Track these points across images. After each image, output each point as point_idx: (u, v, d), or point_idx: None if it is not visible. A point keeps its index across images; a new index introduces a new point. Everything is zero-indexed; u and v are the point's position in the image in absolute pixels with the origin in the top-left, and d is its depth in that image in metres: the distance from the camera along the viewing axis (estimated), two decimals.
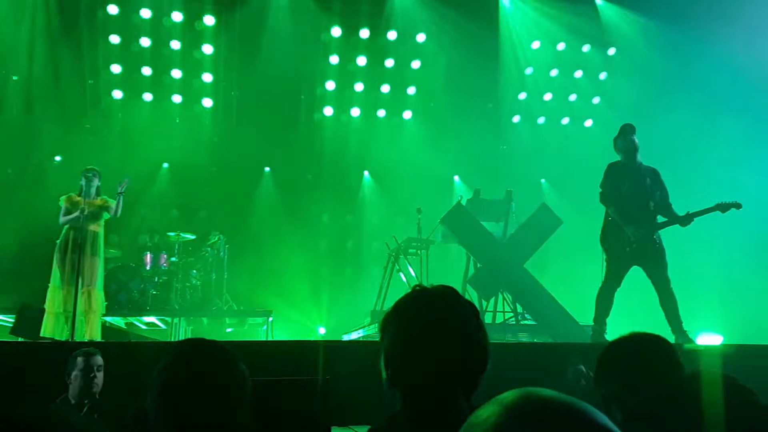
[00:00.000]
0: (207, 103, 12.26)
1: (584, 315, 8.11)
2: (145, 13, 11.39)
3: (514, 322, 8.94)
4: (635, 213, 6.78)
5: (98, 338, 7.57)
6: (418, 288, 1.77)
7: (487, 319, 9.00)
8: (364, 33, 12.00)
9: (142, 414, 1.73)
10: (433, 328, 1.65)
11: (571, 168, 11.76)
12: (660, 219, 6.88)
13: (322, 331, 11.18)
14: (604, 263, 6.92)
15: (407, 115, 12.86)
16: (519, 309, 8.97)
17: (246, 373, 1.84)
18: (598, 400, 1.72)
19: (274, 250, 11.23)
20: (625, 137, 6.98)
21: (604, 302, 6.85)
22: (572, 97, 12.81)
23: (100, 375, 4.57)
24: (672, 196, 6.97)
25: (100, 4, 11.25)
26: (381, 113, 12.80)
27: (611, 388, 1.66)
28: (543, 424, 0.80)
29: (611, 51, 12.35)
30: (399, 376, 1.67)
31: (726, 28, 10.64)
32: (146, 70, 11.78)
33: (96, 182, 7.86)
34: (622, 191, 6.83)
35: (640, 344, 1.81)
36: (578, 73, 12.62)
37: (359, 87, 12.50)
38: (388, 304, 1.81)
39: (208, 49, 11.83)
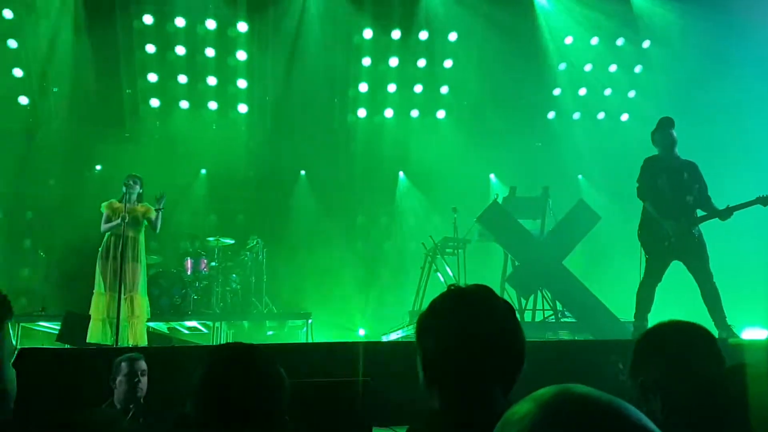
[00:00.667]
0: (242, 108, 12.40)
1: (625, 311, 8.00)
2: (180, 22, 11.56)
3: (553, 320, 8.86)
4: (673, 207, 6.67)
5: (143, 343, 7.69)
6: (453, 288, 1.78)
7: (527, 317, 8.95)
8: (396, 34, 12.01)
9: (186, 418, 1.76)
10: (468, 327, 1.65)
11: (608, 163, 11.61)
12: (699, 213, 6.76)
13: (361, 332, 11.21)
14: (643, 259, 6.82)
15: (441, 114, 12.83)
16: (558, 307, 8.89)
17: (284, 375, 1.87)
18: (637, 395, 1.69)
19: (311, 252, 11.31)
20: (662, 131, 6.88)
21: (644, 298, 6.75)
22: (607, 92, 12.65)
23: (144, 380, 4.64)
24: (710, 189, 6.85)
25: (135, 15, 11.44)
26: (414, 113, 12.80)
27: (650, 376, 1.62)
28: (580, 422, 0.80)
29: (646, 44, 12.17)
30: (436, 377, 1.68)
31: (762, 15, 10.42)
32: (182, 78, 11.96)
33: (137, 189, 7.99)
34: (658, 186, 6.73)
35: (681, 331, 1.76)
36: (613, 67, 12.46)
37: (392, 88, 12.51)
38: (426, 305, 1.81)
39: (242, 55, 11.95)
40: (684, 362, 1.61)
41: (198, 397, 1.77)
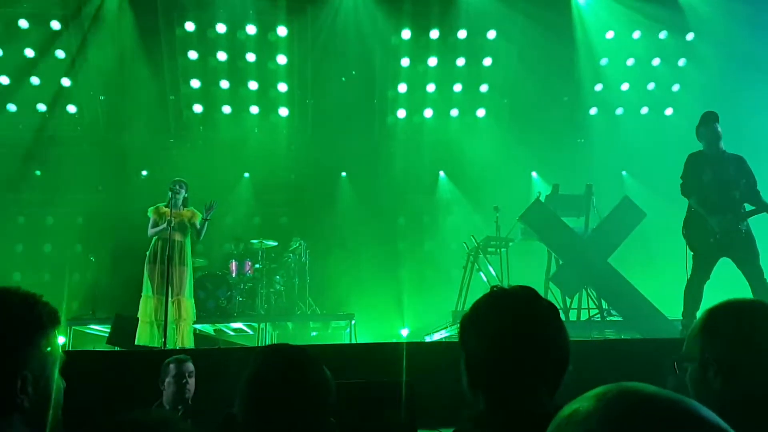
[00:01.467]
0: (283, 112, 12.51)
1: (672, 309, 7.86)
2: (221, 28, 11.71)
3: (599, 319, 8.74)
4: (719, 203, 6.53)
5: (190, 345, 7.81)
6: (496, 289, 1.77)
7: (572, 316, 8.84)
8: (434, 33, 11.99)
9: (233, 419, 1.79)
10: (512, 329, 1.65)
11: (652, 158, 11.40)
12: (747, 207, 6.61)
13: (404, 332, 11.21)
14: (689, 256, 6.70)
15: (481, 113, 12.77)
16: (604, 305, 8.76)
17: (330, 376, 1.88)
18: (696, 376, 1.61)
19: (353, 253, 11.36)
20: (707, 125, 6.74)
21: (692, 296, 6.62)
22: (650, 86, 12.44)
23: (191, 381, 4.71)
24: (760, 183, 6.69)
25: (177, 22, 11.63)
26: (454, 113, 12.76)
27: (712, 351, 1.55)
28: (649, 421, 0.76)
29: (689, 36, 11.92)
30: (480, 378, 1.67)
31: None
32: (224, 84, 12.12)
33: (183, 193, 8.11)
34: (703, 181, 6.60)
35: (746, 308, 1.66)
36: (656, 61, 12.24)
37: (431, 88, 12.49)
38: (469, 304, 1.80)
39: (282, 59, 12.06)
40: (748, 338, 1.53)
41: (244, 398, 1.79)
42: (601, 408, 0.79)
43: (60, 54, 11.51)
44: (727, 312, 1.61)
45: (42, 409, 1.40)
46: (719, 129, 6.70)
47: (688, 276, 6.68)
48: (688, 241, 6.73)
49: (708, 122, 6.74)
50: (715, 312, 1.62)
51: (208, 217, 8.12)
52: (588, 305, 9.06)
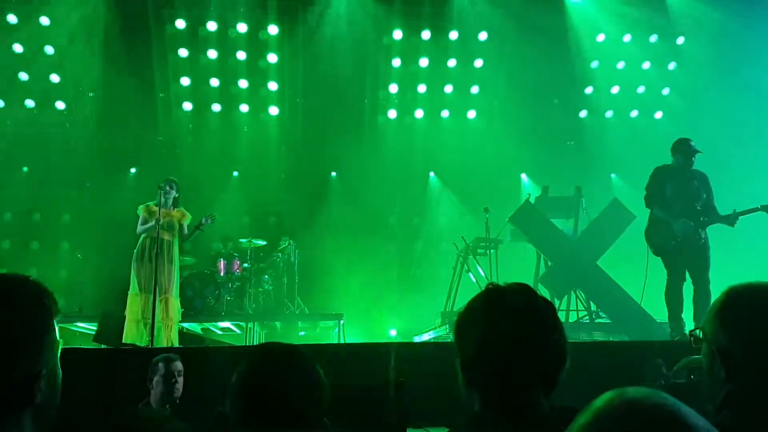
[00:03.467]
0: (273, 111, 12.48)
1: (661, 312, 7.89)
2: (211, 26, 11.67)
3: (588, 321, 8.77)
4: (681, 213, 6.94)
5: (175, 344, 7.77)
6: (491, 286, 1.75)
7: (560, 318, 8.86)
8: (426, 34, 12.00)
9: (224, 418, 1.77)
10: (508, 327, 1.63)
11: (642, 161, 11.40)
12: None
13: (393, 333, 11.20)
14: (651, 260, 7.23)
15: (471, 114, 12.79)
16: (593, 307, 8.79)
17: (322, 376, 1.86)
18: (677, 397, 1.61)
19: (343, 253, 11.33)
20: (686, 144, 7.12)
21: (673, 300, 6.91)
22: (640, 89, 12.50)
23: (180, 380, 4.68)
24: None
25: (168, 20, 11.58)
26: (445, 114, 12.77)
27: (718, 342, 1.54)
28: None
29: (680, 40, 11.98)
30: (475, 378, 1.65)
31: None
32: (214, 82, 12.07)
33: (173, 193, 8.06)
34: (666, 193, 7.05)
35: (755, 293, 1.62)
36: (646, 65, 12.30)
37: (422, 88, 12.50)
38: (458, 305, 1.79)
39: (272, 58, 12.03)
40: (753, 326, 1.51)
41: (235, 397, 1.77)
42: (599, 422, 0.81)
43: (49, 50, 11.43)
44: (740, 301, 1.58)
45: (51, 402, 1.39)
46: (692, 147, 7.07)
47: (666, 281, 7.03)
48: (652, 246, 7.16)
49: (689, 146, 7.10)
50: (731, 297, 1.59)
51: (201, 228, 8.10)
52: (577, 307, 9.09)
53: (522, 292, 1.70)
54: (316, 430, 1.78)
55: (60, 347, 1.46)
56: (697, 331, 1.66)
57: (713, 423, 0.84)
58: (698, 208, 7.00)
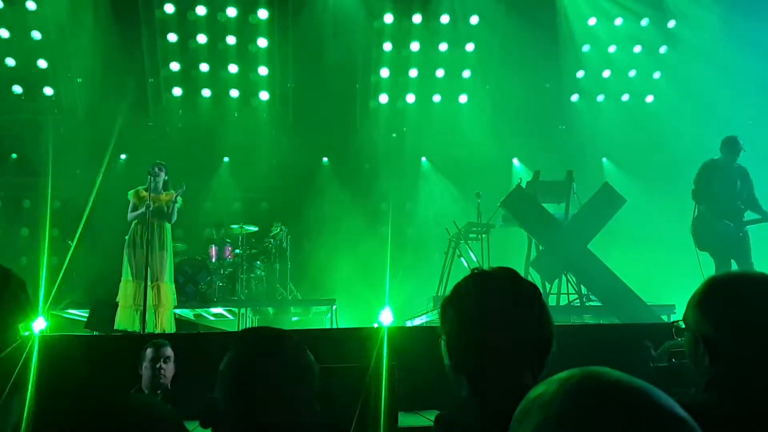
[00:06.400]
0: (264, 96, 12.42)
1: (650, 295, 7.95)
2: (201, 11, 11.59)
3: (578, 304, 8.81)
4: (726, 209, 7.43)
5: (171, 330, 7.77)
6: (477, 271, 1.75)
7: (551, 301, 8.90)
8: (417, 18, 11.94)
9: (213, 403, 1.76)
10: (493, 312, 1.63)
11: (633, 145, 11.48)
12: (749, 216, 7.52)
13: (385, 317, 11.21)
14: (700, 253, 7.52)
15: (463, 99, 12.76)
16: (583, 290, 8.83)
17: (313, 360, 1.86)
18: (665, 379, 1.64)
19: (335, 239, 11.32)
20: (735, 144, 7.53)
21: None
22: (632, 73, 12.50)
23: (168, 365, 4.68)
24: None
25: (157, 5, 11.49)
26: (436, 98, 12.73)
27: (702, 329, 1.56)
28: (612, 408, 0.78)
29: (671, 24, 11.97)
30: (462, 362, 1.66)
31: None
32: (204, 67, 12.00)
33: (162, 176, 8.03)
34: (712, 190, 7.46)
35: (741, 285, 1.63)
36: (637, 48, 12.29)
37: (413, 73, 12.46)
38: (450, 290, 1.78)
39: (262, 42, 11.96)
40: (738, 322, 1.53)
41: (224, 383, 1.76)
42: (563, 393, 0.82)
43: (36, 35, 11.32)
44: (721, 289, 1.60)
45: (24, 390, 1.39)
46: (740, 145, 7.50)
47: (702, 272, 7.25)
48: (695, 241, 7.58)
49: (736, 144, 7.53)
50: (712, 286, 1.62)
51: (175, 200, 8.00)
52: (567, 290, 9.12)
53: (507, 275, 1.70)
54: (307, 415, 1.77)
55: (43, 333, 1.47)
56: (680, 323, 1.68)
57: (700, 402, 0.85)
58: (741, 205, 7.48)
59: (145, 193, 7.87)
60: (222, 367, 1.79)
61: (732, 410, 1.43)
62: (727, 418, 1.39)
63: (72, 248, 11.21)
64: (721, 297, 1.58)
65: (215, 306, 9.97)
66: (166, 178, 8.10)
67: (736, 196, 7.51)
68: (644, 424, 0.78)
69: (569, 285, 9.09)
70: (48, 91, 11.90)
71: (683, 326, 1.65)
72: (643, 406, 0.79)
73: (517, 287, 1.68)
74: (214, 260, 10.17)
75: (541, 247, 8.91)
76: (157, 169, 7.94)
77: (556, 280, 9.02)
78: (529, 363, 1.63)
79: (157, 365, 4.63)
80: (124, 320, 7.63)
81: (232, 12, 11.67)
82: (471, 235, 9.83)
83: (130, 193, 8.02)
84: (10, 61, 11.41)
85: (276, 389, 1.74)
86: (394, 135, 12.58)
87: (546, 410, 0.81)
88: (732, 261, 7.44)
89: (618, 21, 12.09)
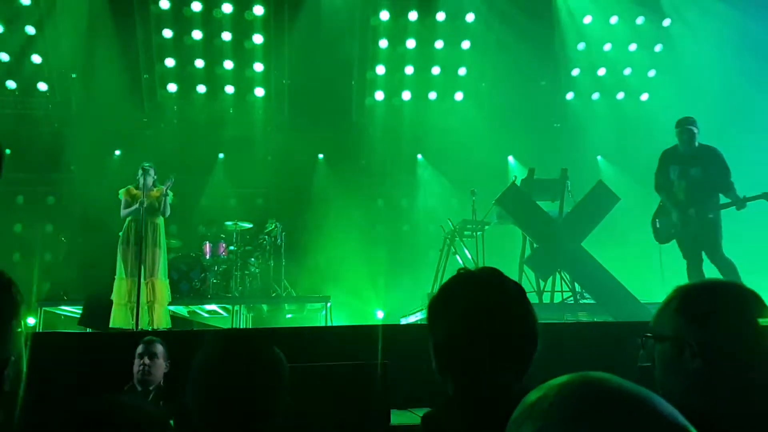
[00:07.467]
0: (259, 92, 12.39)
1: (644, 292, 7.96)
2: (196, 6, 11.55)
3: (572, 302, 8.83)
4: (686, 196, 7.05)
5: (166, 327, 7.76)
6: (462, 272, 1.76)
7: (545, 299, 8.92)
8: (413, 15, 11.93)
9: (185, 407, 1.77)
10: (477, 312, 1.64)
11: (627, 143, 11.51)
12: (723, 200, 7.05)
13: (380, 315, 11.22)
14: (658, 245, 7.40)
15: (459, 96, 12.75)
16: (577, 288, 8.85)
17: (281, 356, 1.87)
18: (670, 354, 1.60)
19: (330, 236, 11.30)
20: (681, 127, 7.12)
21: (695, 280, 6.95)
22: (627, 71, 12.52)
23: (157, 362, 4.66)
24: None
25: (152, 0, 11.45)
26: (432, 96, 12.72)
27: (692, 334, 1.55)
28: (608, 417, 0.78)
29: (666, 22, 11.99)
30: (447, 363, 1.67)
31: None
32: (199, 63, 11.97)
33: (152, 174, 8.05)
34: (670, 178, 7.13)
35: (723, 291, 1.63)
36: (632, 47, 12.31)
37: (409, 70, 12.45)
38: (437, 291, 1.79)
39: (258, 38, 11.94)
40: (729, 323, 1.53)
41: (194, 385, 1.77)
42: (563, 399, 0.81)
43: (30, 30, 11.27)
44: (707, 294, 1.60)
45: (17, 389, 1.39)
46: (694, 129, 7.04)
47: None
48: (654, 232, 7.40)
49: (681, 125, 7.11)
50: (691, 292, 1.62)
51: (165, 192, 8.01)
52: (561, 288, 9.14)
53: (492, 276, 1.71)
54: (277, 413, 1.78)
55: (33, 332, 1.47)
56: (647, 336, 1.68)
57: (684, 405, 0.85)
58: (701, 189, 7.01)
59: (135, 191, 7.88)
60: (191, 372, 1.80)
61: (731, 412, 1.43)
62: (726, 422, 1.40)
63: (66, 244, 11.21)
64: (704, 302, 1.57)
65: (209, 303, 9.96)
66: (155, 177, 8.11)
67: (699, 182, 7.04)
68: None
69: (563, 282, 9.11)
70: (42, 86, 11.85)
71: (651, 338, 1.65)
72: (645, 415, 0.79)
73: (501, 288, 1.68)
74: (208, 257, 10.15)
75: (535, 245, 8.92)
76: (147, 166, 7.97)
77: (550, 278, 9.04)
78: (513, 363, 1.64)
79: (147, 361, 4.62)
80: (119, 318, 7.62)
81: (227, 8, 11.65)
82: (466, 233, 9.84)
83: (121, 191, 8.04)
84: (4, 56, 11.36)
85: (246, 386, 1.76)
86: (390, 132, 12.55)
87: (546, 417, 0.81)
88: (701, 251, 7.07)
89: (613, 19, 12.10)
